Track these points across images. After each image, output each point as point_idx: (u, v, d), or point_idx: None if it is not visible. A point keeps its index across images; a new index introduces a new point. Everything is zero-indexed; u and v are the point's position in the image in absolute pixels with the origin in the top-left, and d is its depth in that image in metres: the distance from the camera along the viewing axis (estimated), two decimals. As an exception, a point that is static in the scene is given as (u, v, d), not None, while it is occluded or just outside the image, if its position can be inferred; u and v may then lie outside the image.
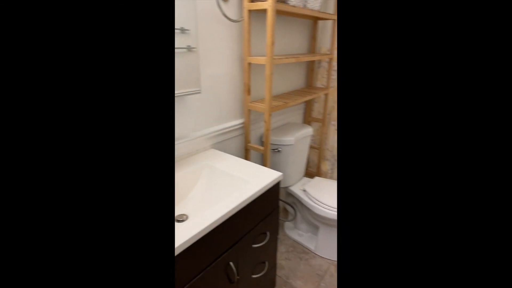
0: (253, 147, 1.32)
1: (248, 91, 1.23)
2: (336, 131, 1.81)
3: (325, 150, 1.92)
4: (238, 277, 0.90)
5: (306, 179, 1.70)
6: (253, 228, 0.91)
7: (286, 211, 1.91)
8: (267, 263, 1.06)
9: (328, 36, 1.71)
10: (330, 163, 1.92)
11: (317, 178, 1.65)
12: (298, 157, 1.58)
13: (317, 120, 1.84)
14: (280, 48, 1.47)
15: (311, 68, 1.77)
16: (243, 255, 0.89)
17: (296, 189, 1.58)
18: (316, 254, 1.55)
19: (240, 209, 0.81)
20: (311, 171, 2.01)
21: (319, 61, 1.77)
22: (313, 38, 1.70)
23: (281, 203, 1.89)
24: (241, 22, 1.16)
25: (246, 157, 1.37)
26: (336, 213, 1.36)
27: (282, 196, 1.80)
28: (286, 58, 1.21)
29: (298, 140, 1.50)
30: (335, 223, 1.43)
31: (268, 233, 1.00)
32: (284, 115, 1.67)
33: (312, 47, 1.73)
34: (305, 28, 1.63)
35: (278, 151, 1.47)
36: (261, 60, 1.14)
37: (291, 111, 1.73)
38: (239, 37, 1.18)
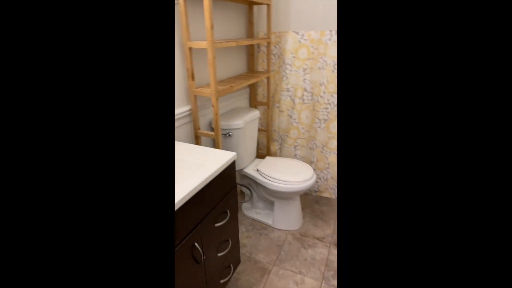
0: (204, 133, 1.32)
1: (192, 76, 1.22)
2: (280, 112, 1.92)
3: (272, 132, 2.02)
4: (204, 257, 0.92)
5: (258, 160, 1.78)
6: (213, 207, 0.94)
7: (242, 193, 1.97)
8: (230, 241, 1.10)
9: (264, 21, 1.77)
10: (278, 144, 2.03)
11: (268, 158, 1.74)
12: (249, 140, 1.64)
13: (262, 103, 1.92)
14: (219, 33, 1.47)
15: (251, 53, 1.82)
16: (207, 235, 0.92)
17: (250, 170, 1.65)
18: (274, 227, 1.66)
19: (199, 191, 0.82)
20: (262, 153, 2.10)
21: (258, 46, 1.83)
22: (250, 23, 1.74)
23: (237, 186, 1.94)
24: (177, 6, 1.13)
25: (197, 143, 1.37)
26: (288, 186, 1.48)
27: (237, 179, 1.86)
28: (227, 42, 1.23)
29: (246, 123, 1.55)
30: (289, 196, 1.55)
31: (228, 212, 1.04)
32: (231, 100, 1.70)
33: (249, 32, 1.77)
34: (241, 13, 1.66)
35: (229, 135, 1.51)
36: (202, 44, 1.13)
37: (236, 96, 1.77)
38: (177, 21, 1.15)
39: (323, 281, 1.30)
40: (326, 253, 1.46)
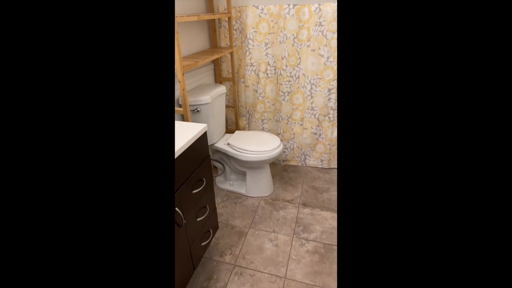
0: (172, 109, 1.34)
1: (155, 53, 1.22)
2: (246, 88, 1.97)
3: (240, 107, 2.09)
4: (185, 221, 1.00)
5: (227, 135, 1.85)
6: (189, 176, 1.00)
7: (215, 168, 2.04)
8: (208, 207, 1.19)
9: (223, -5, 1.76)
10: (246, 119, 2.11)
11: (237, 132, 1.82)
12: (217, 115, 1.69)
13: (227, 79, 1.95)
14: (178, 8, 1.46)
15: (213, 29, 1.82)
16: (186, 201, 0.99)
17: (221, 145, 1.71)
18: (247, 196, 1.78)
19: (175, 160, 0.88)
20: (231, 128, 2.17)
21: (220, 21, 1.83)
22: (209, -2, 1.72)
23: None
24: (133, -22, 1.10)
25: (167, 121, 1.39)
26: (258, 155, 1.58)
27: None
28: (188, 16, 1.23)
29: (214, 98, 1.59)
30: (259, 165, 1.66)
31: (204, 180, 1.11)
32: (196, 77, 1.72)
33: (210, 7, 1.76)
34: (199, -14, 1.63)
35: (198, 111, 1.54)
36: (163, 18, 1.13)
37: (202, 73, 1.78)
38: (134, -5, 1.13)
39: (294, 235, 1.46)
40: (296, 212, 1.63)
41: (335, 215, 1.59)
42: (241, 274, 1.25)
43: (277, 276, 1.24)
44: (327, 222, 1.54)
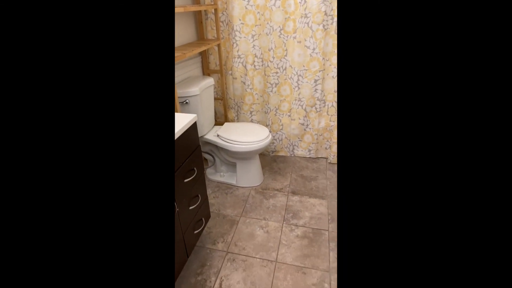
0: (161, 101, 1.35)
1: (142, 44, 1.22)
2: (234, 80, 1.99)
3: (228, 100, 2.10)
4: (178, 209, 1.02)
5: (217, 127, 1.87)
6: (181, 165, 1.03)
7: (205, 160, 2.06)
8: (200, 196, 1.21)
9: (209, -13, 1.76)
10: (235, 111, 2.13)
11: (226, 124, 1.84)
12: (206, 107, 1.70)
13: (215, 71, 1.96)
14: None
15: (199, 21, 1.82)
16: (178, 190, 1.01)
17: (210, 136, 1.73)
18: (238, 186, 1.81)
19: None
20: (220, 121, 2.18)
21: (206, 13, 1.83)
22: (195, -11, 1.72)
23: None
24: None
25: (156, 113, 1.39)
26: (247, 146, 1.61)
27: (198, 148, 1.93)
28: (175, 7, 1.23)
29: (202, 90, 1.60)
30: (249, 155, 1.69)
31: (195, 169, 1.14)
32: (184, 69, 1.72)
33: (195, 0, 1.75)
34: (185, -22, 1.62)
35: (186, 103, 1.55)
36: (149, 9, 1.13)
37: (189, 65, 1.78)
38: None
39: (284, 222, 1.51)
40: (285, 200, 1.68)
41: (323, 201, 1.65)
42: (234, 260, 1.30)
43: (268, 260, 1.29)
44: (315, 208, 1.60)
